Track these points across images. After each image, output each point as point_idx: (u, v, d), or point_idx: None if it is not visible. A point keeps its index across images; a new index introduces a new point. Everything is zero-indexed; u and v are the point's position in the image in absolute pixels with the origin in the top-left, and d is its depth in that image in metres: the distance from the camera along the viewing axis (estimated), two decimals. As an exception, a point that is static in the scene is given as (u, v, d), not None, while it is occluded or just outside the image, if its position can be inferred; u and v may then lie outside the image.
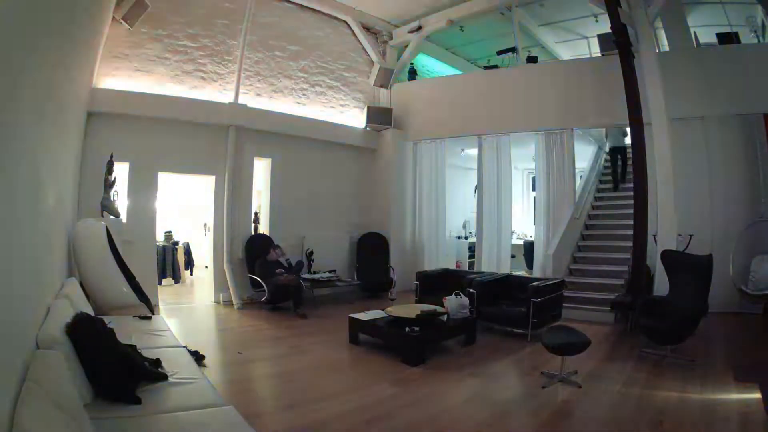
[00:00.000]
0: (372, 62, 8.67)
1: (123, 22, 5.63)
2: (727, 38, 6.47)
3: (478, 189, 8.07)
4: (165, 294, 6.87)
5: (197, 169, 6.69)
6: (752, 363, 4.00)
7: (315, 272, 6.98)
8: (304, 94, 7.73)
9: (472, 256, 8.77)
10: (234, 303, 6.33)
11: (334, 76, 8.15)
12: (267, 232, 7.16)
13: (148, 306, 4.45)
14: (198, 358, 3.66)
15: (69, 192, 4.46)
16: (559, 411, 3.12)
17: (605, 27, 6.11)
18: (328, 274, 6.93)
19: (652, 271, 5.63)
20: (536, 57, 8.11)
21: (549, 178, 7.25)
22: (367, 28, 8.54)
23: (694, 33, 6.74)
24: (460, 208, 10.15)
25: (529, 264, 8.26)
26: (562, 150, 7.08)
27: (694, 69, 6.15)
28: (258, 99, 7.10)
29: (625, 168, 7.97)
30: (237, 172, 6.67)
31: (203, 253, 9.01)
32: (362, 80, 8.59)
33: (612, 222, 7.43)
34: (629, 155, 5.95)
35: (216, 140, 6.54)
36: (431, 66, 10.05)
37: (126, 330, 3.15)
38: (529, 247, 8.32)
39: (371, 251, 7.83)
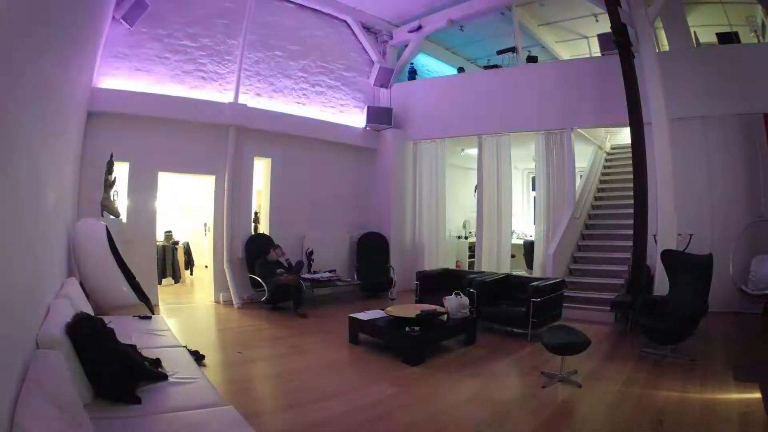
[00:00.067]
0: (372, 62, 8.67)
1: (123, 22, 5.62)
2: (727, 38, 6.47)
3: (478, 189, 8.07)
4: (165, 294, 6.87)
5: (197, 169, 6.69)
6: (752, 363, 4.00)
7: (315, 272, 6.98)
8: (304, 94, 7.73)
9: (472, 256, 8.77)
10: (234, 303, 6.33)
11: (334, 76, 8.15)
12: (267, 232, 7.16)
13: (148, 306, 4.46)
14: (198, 357, 3.66)
15: (69, 192, 4.46)
16: (559, 411, 3.12)
17: (605, 27, 6.11)
18: (328, 274, 6.93)
19: (652, 270, 5.62)
20: (536, 57, 8.11)
21: (549, 177, 7.25)
22: (367, 28, 8.54)
23: (694, 33, 6.74)
24: (460, 208, 10.15)
25: (529, 264, 8.26)
26: (562, 150, 7.08)
27: (694, 69, 6.15)
28: (258, 99, 7.10)
29: None
30: (237, 171, 6.67)
31: (203, 253, 9.03)
32: (362, 80, 8.59)
33: (612, 222, 7.43)
34: (629, 155, 5.94)
35: (216, 140, 6.54)
36: (431, 66, 10.05)
37: (126, 330, 3.15)
38: (529, 247, 8.32)
39: (371, 251, 7.83)
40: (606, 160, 9.03)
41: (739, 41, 6.49)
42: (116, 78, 5.79)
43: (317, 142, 7.68)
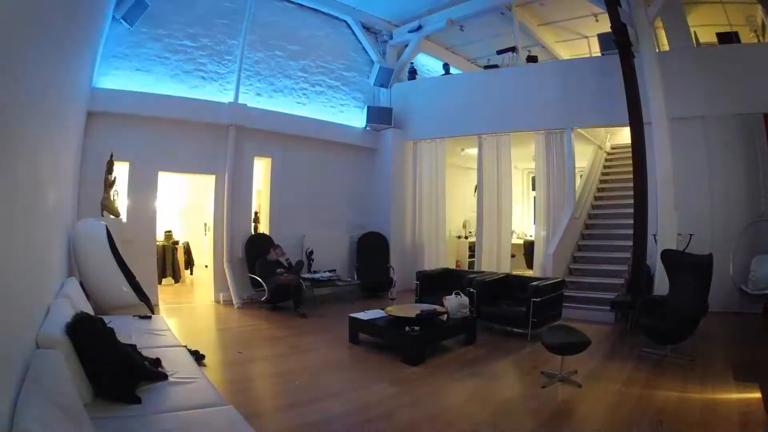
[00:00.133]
0: (372, 62, 8.67)
1: (123, 22, 5.62)
2: (727, 38, 6.47)
3: (478, 188, 8.07)
4: (165, 293, 6.87)
5: (197, 169, 6.69)
6: (752, 363, 4.00)
7: (315, 272, 6.97)
8: (304, 94, 7.73)
9: (472, 256, 8.77)
10: (234, 302, 6.33)
11: (334, 76, 8.15)
12: (267, 232, 7.16)
13: (148, 305, 4.46)
14: (198, 357, 3.66)
15: (69, 192, 4.46)
16: (559, 411, 3.12)
17: (605, 26, 6.11)
18: (328, 274, 6.93)
19: (652, 270, 5.62)
20: (536, 57, 8.11)
21: (549, 177, 7.25)
22: (367, 28, 8.55)
23: (694, 33, 6.73)
24: (460, 208, 10.16)
25: (529, 263, 8.26)
26: (562, 150, 7.08)
27: (694, 69, 6.15)
28: (258, 99, 7.10)
29: None
30: (237, 171, 6.67)
31: (203, 253, 9.03)
32: (362, 80, 8.59)
33: (612, 222, 7.43)
34: (629, 155, 5.94)
35: (216, 140, 6.54)
36: (431, 66, 10.05)
37: (126, 329, 3.15)
38: (529, 247, 8.32)
39: (371, 251, 7.83)
40: (606, 160, 9.03)
41: (739, 41, 6.49)
42: (116, 78, 5.79)
43: (317, 142, 7.68)
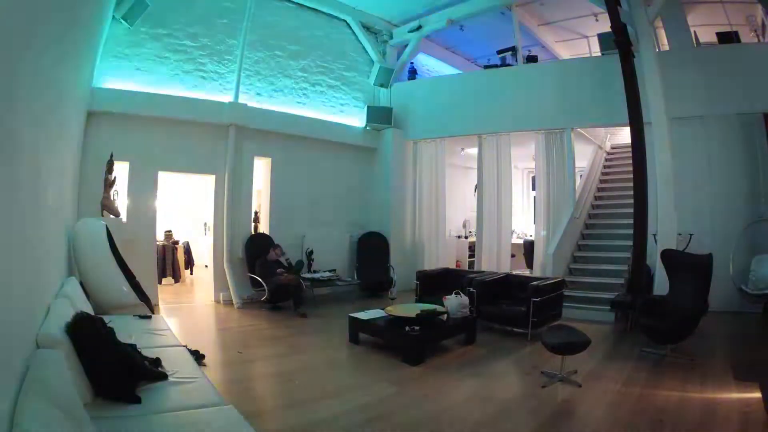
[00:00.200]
0: (372, 61, 8.67)
1: (123, 21, 5.62)
2: (727, 37, 6.47)
3: (478, 188, 8.08)
4: (165, 293, 6.87)
5: (197, 169, 6.68)
6: (752, 362, 4.00)
7: (315, 271, 6.98)
8: (304, 94, 7.73)
9: (472, 256, 8.77)
10: (234, 302, 6.33)
11: (334, 76, 8.15)
12: (267, 232, 7.15)
13: (148, 305, 4.46)
14: (198, 357, 3.66)
15: (69, 191, 4.45)
16: (559, 410, 3.12)
17: (605, 26, 6.11)
18: (328, 274, 6.93)
19: (652, 270, 5.63)
20: (536, 56, 8.11)
21: (549, 177, 7.25)
22: (367, 28, 8.54)
23: (694, 32, 6.73)
24: (460, 208, 10.15)
25: (529, 263, 8.26)
26: (562, 149, 7.08)
27: (694, 68, 6.15)
28: (258, 98, 7.10)
29: None
30: (237, 171, 6.67)
31: (203, 253, 9.03)
32: (362, 80, 8.59)
33: (612, 221, 7.43)
34: (629, 155, 5.94)
35: (216, 139, 6.54)
36: (431, 66, 10.04)
37: (126, 329, 3.15)
38: (529, 247, 8.32)
39: (371, 251, 7.83)
40: (606, 160, 9.03)
41: (739, 41, 6.49)
42: (116, 78, 5.79)
43: (317, 142, 7.68)
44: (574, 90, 6.97)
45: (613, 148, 9.29)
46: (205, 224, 8.94)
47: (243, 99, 6.79)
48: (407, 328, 4.08)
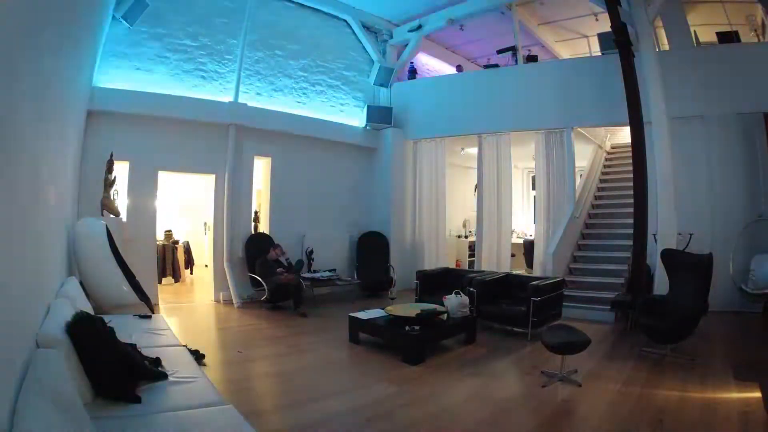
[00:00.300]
0: (372, 61, 8.66)
1: (123, 21, 5.62)
2: (727, 37, 6.46)
3: (478, 188, 8.07)
4: (165, 293, 6.87)
5: (197, 168, 6.69)
6: (752, 362, 4.00)
7: (315, 271, 6.98)
8: (304, 93, 7.73)
9: (472, 255, 8.77)
10: (234, 302, 6.33)
11: (334, 75, 8.15)
12: (267, 231, 7.15)
13: (148, 305, 4.46)
14: (198, 357, 3.65)
15: (69, 191, 4.46)
16: (559, 410, 3.12)
17: (605, 26, 6.11)
18: (328, 273, 6.93)
19: (652, 270, 5.62)
20: (536, 56, 8.10)
21: (549, 177, 7.25)
22: (367, 27, 8.54)
23: (694, 32, 6.73)
24: (460, 208, 10.15)
25: (529, 263, 8.26)
26: (562, 149, 7.08)
27: (694, 68, 6.15)
28: (258, 98, 7.10)
29: None
30: (237, 170, 6.67)
31: (203, 252, 9.03)
32: (362, 79, 8.59)
33: (612, 221, 7.43)
34: (629, 155, 5.93)
35: (216, 139, 6.54)
36: (431, 65, 10.04)
37: (126, 329, 3.15)
38: (529, 246, 8.32)
39: (371, 250, 7.83)
40: (606, 160, 9.02)
41: (739, 40, 6.48)
42: (116, 77, 5.79)
43: (317, 142, 7.68)
44: (574, 90, 6.96)
45: (613, 147, 9.28)
46: (205, 224, 8.94)
47: (243, 99, 6.79)
48: (407, 328, 4.08)
